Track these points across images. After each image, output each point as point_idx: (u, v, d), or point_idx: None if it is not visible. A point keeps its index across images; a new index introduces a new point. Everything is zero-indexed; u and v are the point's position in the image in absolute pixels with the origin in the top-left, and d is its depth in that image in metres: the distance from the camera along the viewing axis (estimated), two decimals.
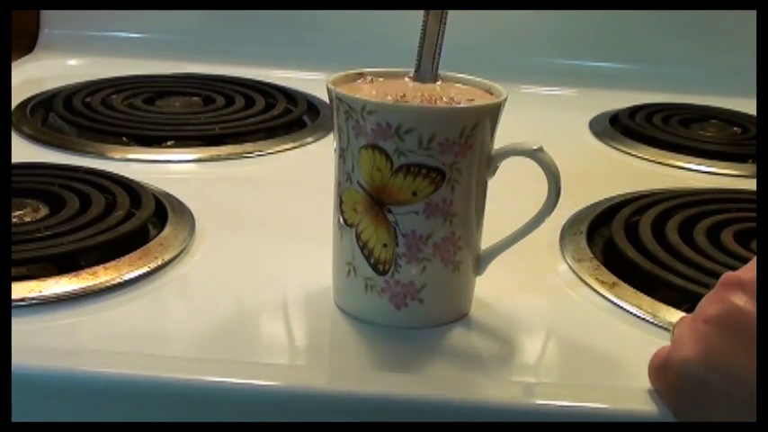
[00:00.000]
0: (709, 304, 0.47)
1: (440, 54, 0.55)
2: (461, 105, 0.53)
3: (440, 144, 0.51)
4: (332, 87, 0.53)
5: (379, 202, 0.52)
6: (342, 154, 0.53)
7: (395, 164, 0.51)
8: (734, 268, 0.61)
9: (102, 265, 0.59)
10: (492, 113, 0.53)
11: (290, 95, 0.99)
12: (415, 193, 0.52)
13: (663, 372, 0.48)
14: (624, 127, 0.96)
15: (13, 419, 0.47)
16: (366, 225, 0.53)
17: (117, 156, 0.81)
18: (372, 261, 0.53)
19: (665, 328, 0.56)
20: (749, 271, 0.47)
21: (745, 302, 0.46)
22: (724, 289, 0.47)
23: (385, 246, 0.53)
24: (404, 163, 0.51)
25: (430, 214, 0.52)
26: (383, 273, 0.53)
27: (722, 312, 0.46)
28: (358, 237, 0.53)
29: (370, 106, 0.51)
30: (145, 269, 0.59)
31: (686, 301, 0.58)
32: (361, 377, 0.50)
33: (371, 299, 0.54)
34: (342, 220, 0.54)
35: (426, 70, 0.55)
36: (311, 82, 1.01)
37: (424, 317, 0.54)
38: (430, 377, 0.50)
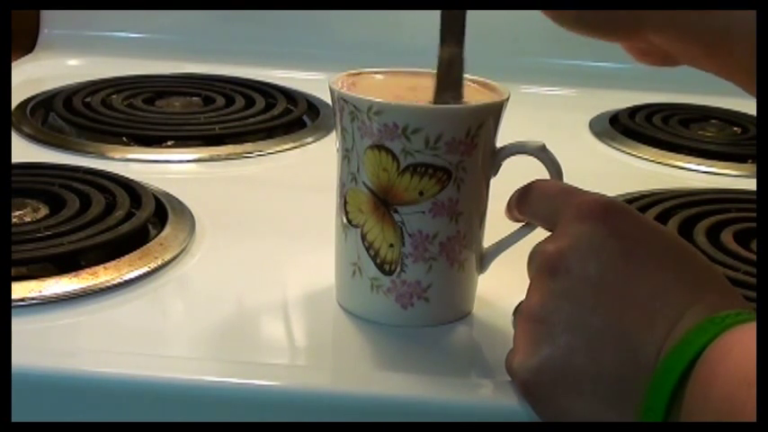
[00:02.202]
0: (531, 292, 0.47)
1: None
2: (468, 104, 0.53)
3: (446, 143, 0.51)
4: (336, 88, 0.53)
5: (385, 203, 0.52)
6: (346, 155, 0.53)
7: (401, 164, 0.51)
8: (734, 268, 0.62)
9: (102, 265, 0.58)
10: (496, 112, 0.53)
11: (290, 95, 0.99)
12: (421, 193, 0.52)
13: (512, 377, 0.48)
14: (624, 127, 0.96)
15: (13, 419, 0.47)
16: (372, 225, 0.53)
17: (117, 156, 0.81)
18: (378, 261, 0.53)
19: None
20: (555, 241, 0.47)
21: (563, 284, 0.45)
22: (540, 273, 0.47)
23: (391, 246, 0.53)
24: (411, 163, 0.51)
25: (436, 214, 0.52)
26: (389, 273, 0.53)
27: (544, 303, 0.46)
28: (363, 237, 0.53)
29: (377, 107, 0.51)
30: (145, 269, 0.59)
31: None
32: (364, 377, 0.50)
33: (377, 299, 0.54)
34: (346, 220, 0.54)
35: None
36: (311, 82, 1.01)
37: (430, 316, 0.55)
38: (432, 378, 0.50)
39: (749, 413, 0.35)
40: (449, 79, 0.53)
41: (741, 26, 0.45)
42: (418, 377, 0.50)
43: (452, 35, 0.53)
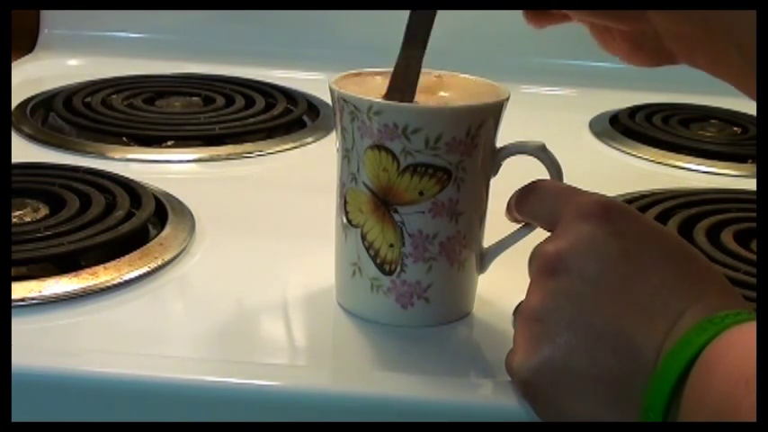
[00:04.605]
0: (531, 292, 0.47)
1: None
2: (468, 104, 0.53)
3: (446, 143, 0.51)
4: (336, 88, 0.53)
5: (385, 203, 0.52)
6: (346, 155, 0.53)
7: (401, 164, 0.51)
8: (734, 268, 0.62)
9: (102, 265, 0.58)
10: (497, 112, 0.53)
11: (290, 95, 0.99)
12: (421, 193, 0.52)
13: (512, 377, 0.48)
14: (624, 127, 0.96)
15: (13, 419, 0.47)
16: (372, 225, 0.53)
17: (117, 156, 0.81)
18: (378, 261, 0.53)
19: None
20: (555, 241, 0.47)
21: (563, 284, 0.45)
22: (540, 273, 0.46)
23: (391, 246, 0.53)
24: (411, 163, 0.51)
25: (436, 214, 0.52)
26: (389, 273, 0.53)
27: (544, 303, 0.46)
28: (363, 237, 0.53)
29: (377, 107, 0.51)
30: (145, 269, 0.59)
31: None
32: (364, 377, 0.50)
33: (377, 299, 0.54)
34: (346, 220, 0.54)
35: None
36: (311, 82, 1.01)
37: (430, 316, 0.55)
38: (432, 378, 0.50)
39: (746, 412, 0.35)
40: (403, 81, 0.53)
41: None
42: (418, 377, 0.50)
43: (415, 40, 0.53)
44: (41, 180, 0.70)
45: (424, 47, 0.53)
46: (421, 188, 0.52)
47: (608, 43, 0.55)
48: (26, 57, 1.13)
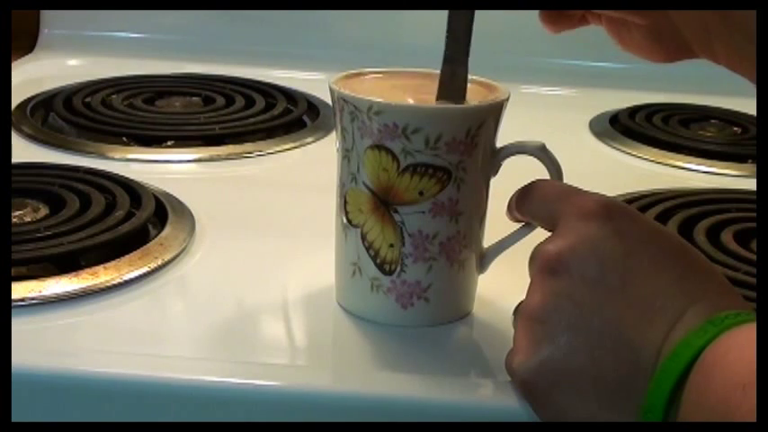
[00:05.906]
0: (532, 291, 0.47)
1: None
2: (468, 104, 0.53)
3: (446, 144, 0.51)
4: (336, 88, 0.53)
5: (385, 203, 0.52)
6: (346, 154, 0.53)
7: (401, 164, 0.51)
8: (734, 268, 0.62)
9: (102, 265, 0.58)
10: (497, 112, 0.53)
11: (290, 95, 0.99)
12: (421, 193, 0.52)
13: (512, 377, 0.48)
14: (624, 127, 0.96)
15: (13, 419, 0.47)
16: (372, 225, 0.53)
17: (117, 156, 0.81)
18: (378, 261, 0.53)
19: None
20: (555, 241, 0.47)
21: (563, 285, 0.45)
22: (540, 273, 0.46)
23: (391, 246, 0.53)
24: (411, 163, 0.51)
25: (436, 214, 0.52)
26: (389, 273, 0.53)
27: (544, 303, 0.45)
28: (363, 237, 0.53)
29: (377, 107, 0.51)
30: (145, 269, 0.59)
31: None
32: (364, 377, 0.50)
33: (377, 299, 0.54)
34: (346, 220, 0.54)
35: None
36: (311, 82, 1.01)
37: (430, 316, 0.55)
38: (432, 378, 0.50)
39: (742, 416, 0.35)
40: (449, 89, 0.53)
41: None
42: (418, 377, 0.50)
43: (458, 44, 0.53)
44: (41, 180, 0.70)
45: (468, 50, 0.53)
46: (421, 188, 0.52)
47: (624, 39, 0.54)
48: (26, 57, 1.13)
